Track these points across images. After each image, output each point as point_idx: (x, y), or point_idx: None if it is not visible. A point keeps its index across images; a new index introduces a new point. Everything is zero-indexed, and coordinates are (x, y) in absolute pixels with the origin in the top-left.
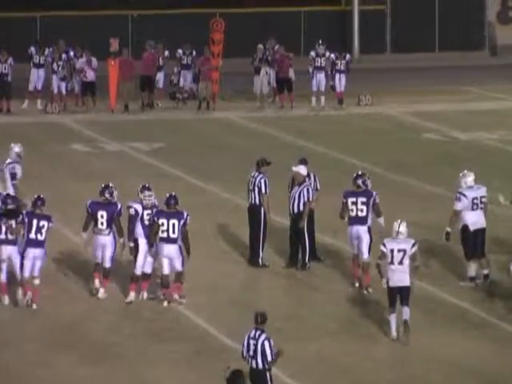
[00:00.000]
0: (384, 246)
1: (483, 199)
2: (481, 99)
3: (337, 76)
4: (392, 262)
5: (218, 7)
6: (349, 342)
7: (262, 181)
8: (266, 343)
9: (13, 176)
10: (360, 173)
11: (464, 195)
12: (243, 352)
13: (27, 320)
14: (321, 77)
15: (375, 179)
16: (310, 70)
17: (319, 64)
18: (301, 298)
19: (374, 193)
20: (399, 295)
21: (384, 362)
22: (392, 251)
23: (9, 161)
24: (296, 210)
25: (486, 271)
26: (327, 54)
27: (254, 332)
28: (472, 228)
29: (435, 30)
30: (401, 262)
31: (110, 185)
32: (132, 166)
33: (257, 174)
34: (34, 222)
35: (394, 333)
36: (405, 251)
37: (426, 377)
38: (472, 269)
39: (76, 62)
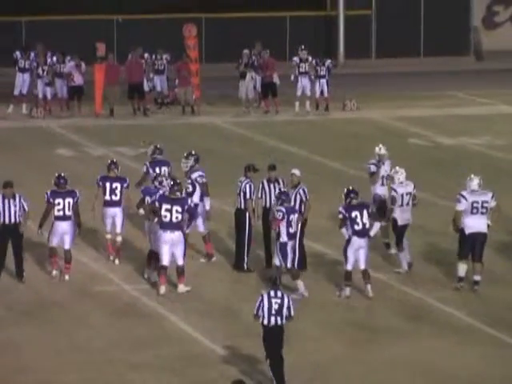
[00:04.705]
0: (395, 191)
1: (485, 204)
2: (466, 104)
3: (318, 82)
4: (402, 205)
5: (204, 12)
6: (333, 347)
7: (248, 186)
8: (291, 298)
9: None
10: None
11: (464, 197)
12: (258, 311)
13: (10, 323)
14: (305, 82)
15: (360, 184)
16: (292, 76)
17: (303, 69)
18: None
19: None
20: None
21: (370, 367)
22: (402, 195)
23: None
24: None
25: (477, 277)
26: (309, 59)
27: (273, 292)
28: (467, 231)
29: (420, 35)
30: (408, 204)
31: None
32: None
33: (243, 178)
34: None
35: (404, 266)
36: (411, 193)
37: (411, 382)
38: (461, 269)
39: (58, 68)
